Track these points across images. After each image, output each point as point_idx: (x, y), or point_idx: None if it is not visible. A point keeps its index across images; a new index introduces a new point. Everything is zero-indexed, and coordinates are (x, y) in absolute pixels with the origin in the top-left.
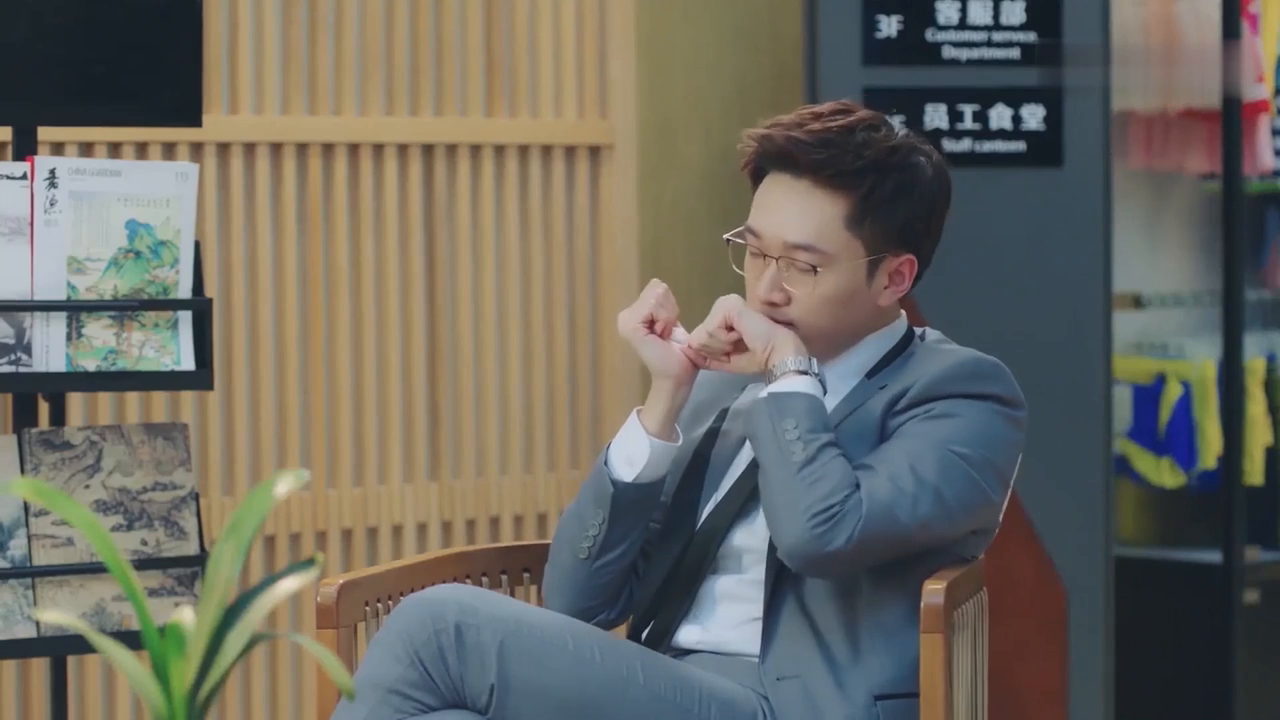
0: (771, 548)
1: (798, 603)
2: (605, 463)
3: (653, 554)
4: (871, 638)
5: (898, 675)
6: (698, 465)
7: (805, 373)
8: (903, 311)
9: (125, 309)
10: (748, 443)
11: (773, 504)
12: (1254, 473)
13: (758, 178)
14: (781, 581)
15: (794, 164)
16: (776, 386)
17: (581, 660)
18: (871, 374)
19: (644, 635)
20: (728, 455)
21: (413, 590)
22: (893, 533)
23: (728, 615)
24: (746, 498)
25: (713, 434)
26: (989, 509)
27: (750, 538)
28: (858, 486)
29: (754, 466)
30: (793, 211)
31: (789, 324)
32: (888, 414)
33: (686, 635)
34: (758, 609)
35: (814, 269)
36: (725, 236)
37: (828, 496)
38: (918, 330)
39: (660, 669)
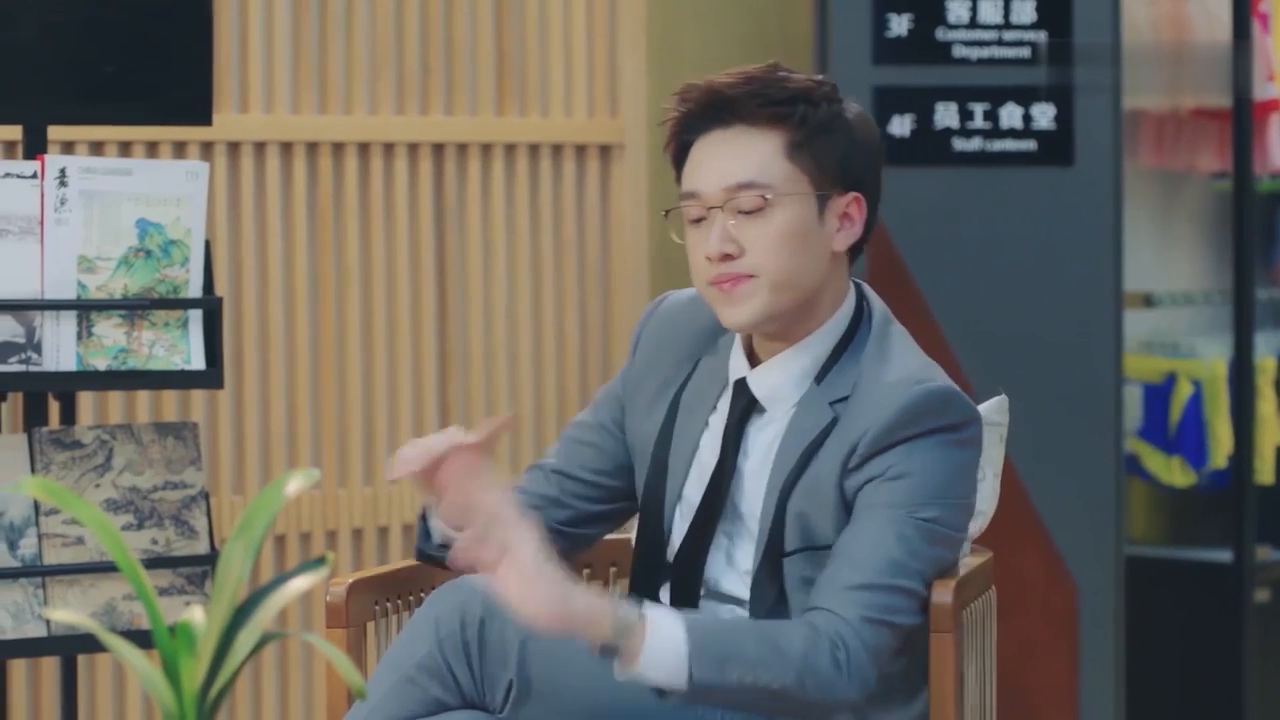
0: (753, 597)
1: None
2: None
3: (637, 572)
4: (877, 693)
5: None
6: (658, 472)
7: (639, 618)
8: (853, 287)
9: (135, 308)
10: (703, 443)
11: (796, 712)
12: (1265, 472)
13: (684, 154)
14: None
15: (723, 110)
16: (653, 679)
17: (602, 663)
18: (820, 377)
19: None
20: (685, 458)
21: (423, 590)
22: (896, 637)
23: None
24: (711, 525)
25: (666, 433)
26: (958, 547)
27: (731, 578)
28: (847, 627)
29: (712, 490)
30: (729, 156)
31: (749, 276)
32: (842, 475)
33: None
34: None
35: (763, 201)
36: (665, 211)
37: (832, 678)
38: (868, 299)
39: None
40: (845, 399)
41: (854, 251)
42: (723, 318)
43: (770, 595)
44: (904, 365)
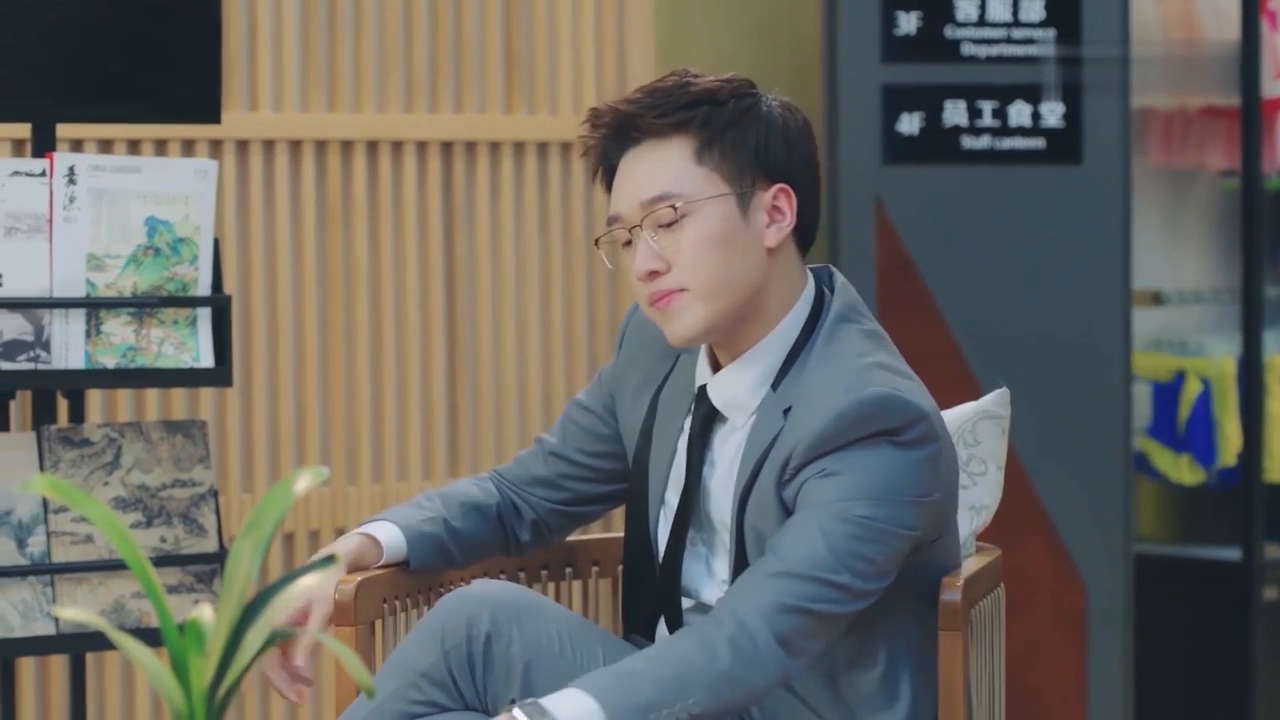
0: None
1: None
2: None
3: (627, 572)
4: (855, 696)
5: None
6: (639, 474)
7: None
8: (810, 279)
9: (144, 306)
10: (679, 447)
11: (736, 711)
12: (1274, 469)
13: (611, 180)
14: None
15: (629, 128)
16: None
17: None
18: (777, 382)
19: None
20: (665, 462)
21: (431, 589)
22: (820, 625)
23: None
24: (683, 534)
25: (647, 434)
26: (909, 542)
27: (711, 589)
28: (739, 622)
29: (684, 499)
30: (640, 172)
31: (680, 291)
32: (779, 486)
33: None
34: None
35: (676, 214)
36: (596, 239)
37: (744, 671)
38: (834, 289)
39: None
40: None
41: (802, 243)
42: (666, 335)
43: None
44: (841, 370)
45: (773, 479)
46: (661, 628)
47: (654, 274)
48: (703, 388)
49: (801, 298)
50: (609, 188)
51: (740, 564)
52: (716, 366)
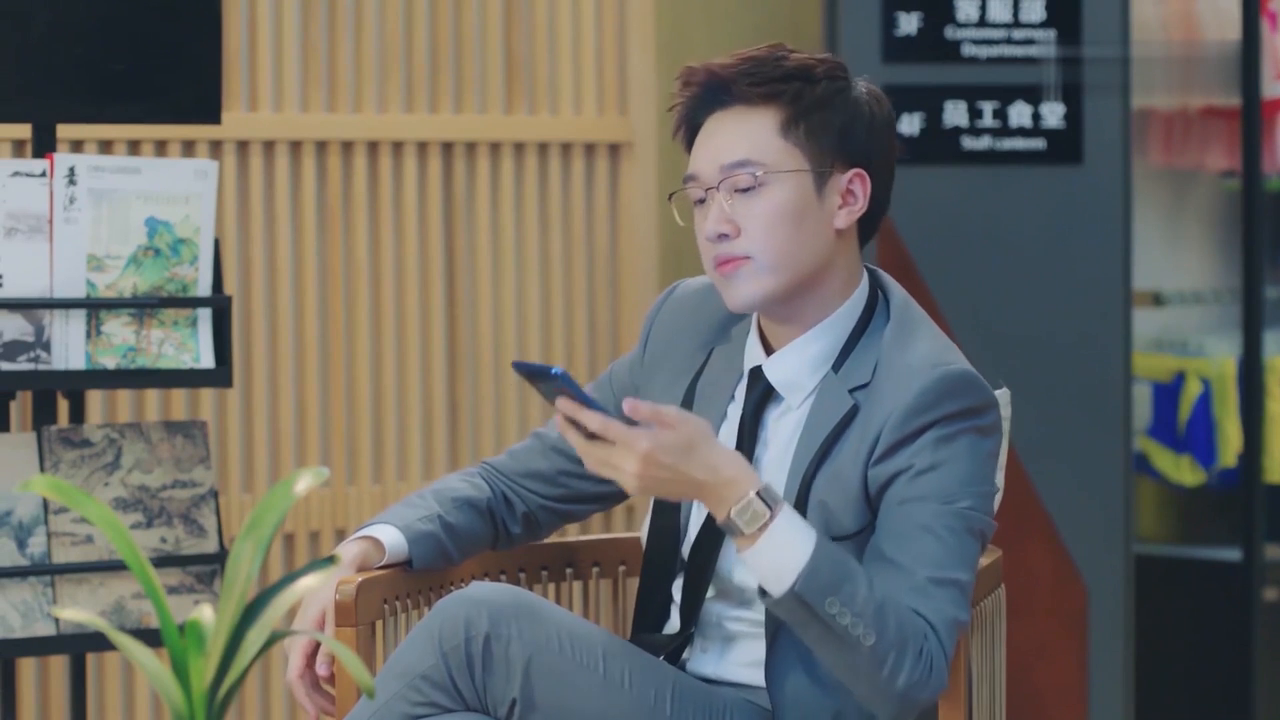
0: (763, 592)
1: (802, 651)
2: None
3: (650, 565)
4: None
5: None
6: None
7: (769, 512)
8: (866, 272)
9: (145, 306)
10: (722, 434)
11: (853, 682)
12: (1274, 470)
13: (693, 139)
14: (785, 631)
15: (720, 91)
16: (773, 572)
17: (610, 685)
18: (838, 364)
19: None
20: None
21: (431, 590)
22: (962, 631)
23: (740, 653)
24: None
25: None
26: (991, 532)
27: (743, 569)
28: (930, 626)
29: None
30: (724, 135)
31: (745, 259)
32: (866, 465)
33: (702, 664)
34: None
35: (754, 181)
36: (669, 194)
37: (913, 667)
38: (885, 286)
39: (691, 698)
40: (865, 385)
41: (865, 231)
42: (725, 299)
43: None
44: (923, 349)
45: (859, 457)
46: (671, 623)
47: (723, 237)
48: (756, 369)
49: (860, 286)
50: (688, 146)
51: None
52: (768, 350)
